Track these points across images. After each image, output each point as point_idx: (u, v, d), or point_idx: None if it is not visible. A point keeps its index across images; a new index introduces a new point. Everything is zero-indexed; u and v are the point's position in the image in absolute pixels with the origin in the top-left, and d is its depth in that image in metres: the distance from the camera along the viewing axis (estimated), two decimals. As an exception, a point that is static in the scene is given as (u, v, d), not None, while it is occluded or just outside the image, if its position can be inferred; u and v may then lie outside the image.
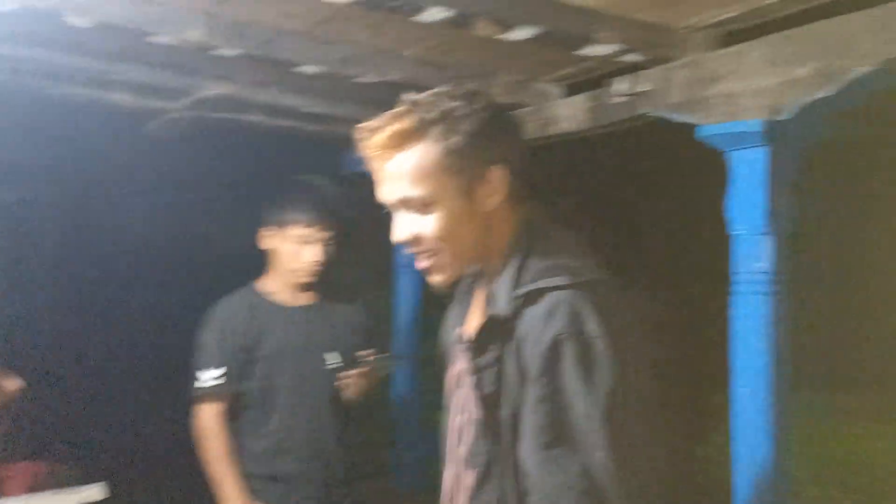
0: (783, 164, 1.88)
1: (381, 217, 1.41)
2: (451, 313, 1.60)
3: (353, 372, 2.42)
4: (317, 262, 2.44)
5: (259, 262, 2.53)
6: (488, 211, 1.35)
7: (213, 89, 2.45)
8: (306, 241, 2.43)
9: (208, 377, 2.40)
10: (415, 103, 1.31)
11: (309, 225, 2.43)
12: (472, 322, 1.43)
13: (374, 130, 1.31)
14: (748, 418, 1.89)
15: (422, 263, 1.37)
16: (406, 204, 1.34)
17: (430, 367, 3.04)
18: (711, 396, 3.23)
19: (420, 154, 1.30)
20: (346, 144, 3.43)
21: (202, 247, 3.43)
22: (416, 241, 1.35)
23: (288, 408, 2.43)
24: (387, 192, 1.35)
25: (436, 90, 1.35)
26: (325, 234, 2.45)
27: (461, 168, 1.31)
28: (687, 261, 3.36)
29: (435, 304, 1.89)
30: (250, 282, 2.56)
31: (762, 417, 1.87)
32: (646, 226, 3.37)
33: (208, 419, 2.39)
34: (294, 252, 2.45)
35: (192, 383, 2.41)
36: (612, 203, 3.57)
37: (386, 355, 2.49)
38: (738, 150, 1.91)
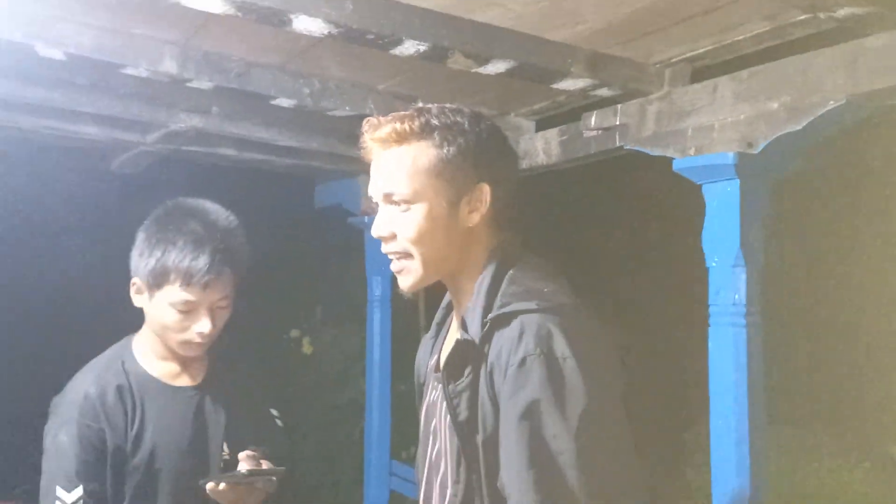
0: (756, 197, 1.90)
1: (354, 252, 1.39)
2: (425, 345, 1.60)
3: (225, 484, 1.71)
4: (203, 334, 1.75)
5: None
6: (467, 227, 1.37)
7: (185, 122, 2.41)
8: (187, 310, 1.73)
9: (67, 498, 1.69)
10: (423, 109, 1.39)
11: (188, 284, 1.71)
12: (446, 351, 1.42)
13: (379, 125, 1.38)
14: (725, 451, 1.87)
15: (394, 265, 1.40)
16: (390, 198, 1.37)
17: (401, 403, 2.97)
18: (688, 428, 3.21)
19: (416, 152, 1.35)
20: (319, 178, 3.53)
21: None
22: (391, 238, 1.38)
23: None
24: (376, 184, 1.39)
25: (444, 105, 1.41)
26: (215, 297, 1.74)
27: (451, 176, 1.35)
28: (665, 291, 3.35)
29: (407, 340, 1.79)
30: (126, 337, 1.88)
31: (739, 451, 1.85)
32: (624, 257, 3.36)
33: None
34: (171, 320, 1.75)
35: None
36: (590, 233, 3.57)
37: (279, 469, 1.76)
38: (711, 182, 1.93)
